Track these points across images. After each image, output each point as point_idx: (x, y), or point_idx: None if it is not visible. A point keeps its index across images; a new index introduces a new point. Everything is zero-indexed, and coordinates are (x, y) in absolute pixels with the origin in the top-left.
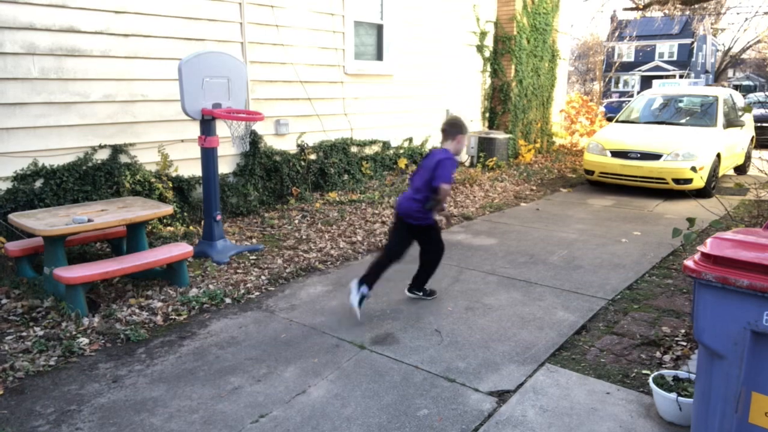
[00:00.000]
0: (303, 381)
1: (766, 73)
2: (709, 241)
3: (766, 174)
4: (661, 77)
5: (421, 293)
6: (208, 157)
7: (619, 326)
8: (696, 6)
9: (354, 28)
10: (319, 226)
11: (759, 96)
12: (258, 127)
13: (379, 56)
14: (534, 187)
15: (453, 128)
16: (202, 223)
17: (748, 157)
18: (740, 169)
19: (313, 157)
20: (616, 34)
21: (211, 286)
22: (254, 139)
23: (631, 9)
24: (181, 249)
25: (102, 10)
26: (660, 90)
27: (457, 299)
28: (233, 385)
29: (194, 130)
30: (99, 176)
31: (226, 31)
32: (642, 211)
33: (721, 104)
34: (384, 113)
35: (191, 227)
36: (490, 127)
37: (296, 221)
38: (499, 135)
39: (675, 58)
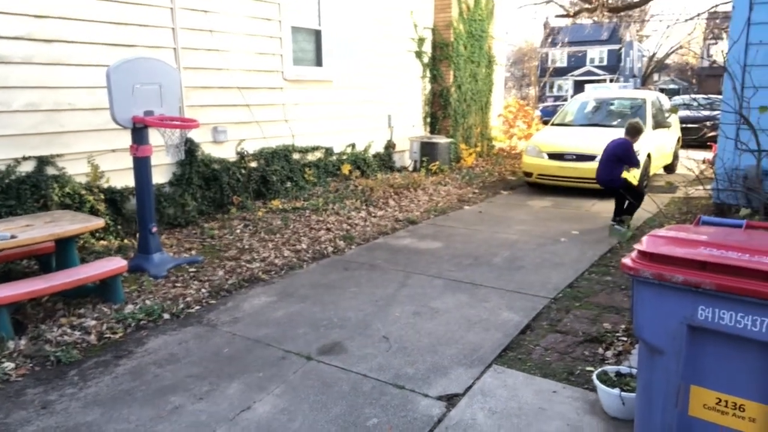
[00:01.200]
0: (248, 397)
1: (688, 77)
2: (645, 238)
3: (693, 172)
4: (592, 81)
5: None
6: (141, 166)
7: (562, 324)
8: (622, 14)
9: (292, 33)
10: (262, 235)
11: (684, 98)
12: (194, 135)
13: (319, 62)
14: (476, 190)
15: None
16: (138, 236)
17: (675, 157)
18: (669, 168)
19: (253, 164)
20: (550, 40)
21: (148, 302)
22: (191, 147)
23: (563, 16)
24: (115, 264)
25: (21, 14)
26: (592, 93)
27: (405, 304)
28: (173, 404)
29: (126, 139)
30: (24, 190)
31: (158, 37)
32: (579, 210)
33: (650, 106)
34: (326, 119)
35: (126, 240)
36: (432, 131)
37: (238, 231)
38: (441, 139)
39: (605, 63)
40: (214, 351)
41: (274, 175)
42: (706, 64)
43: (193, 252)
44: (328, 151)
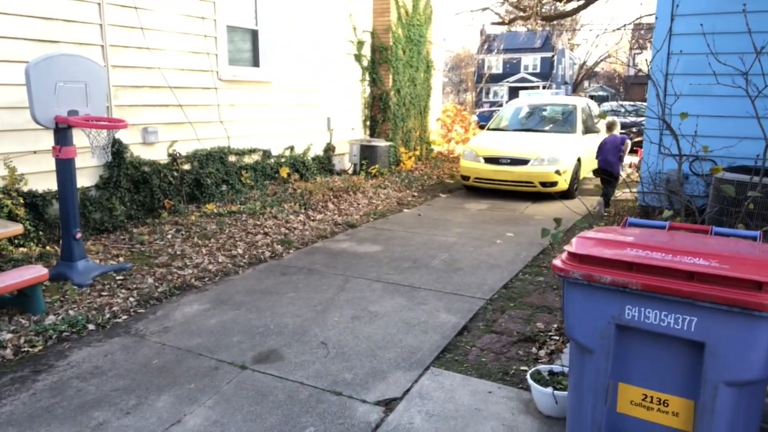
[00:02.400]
0: (178, 410)
1: (615, 85)
2: (574, 240)
3: (621, 176)
4: (526, 88)
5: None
6: (65, 169)
7: (497, 325)
8: (555, 22)
9: (227, 33)
10: (195, 240)
11: (612, 105)
12: (123, 136)
13: (256, 62)
14: (415, 193)
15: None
16: (61, 242)
17: None
18: (597, 172)
19: (187, 167)
20: (486, 47)
21: (71, 312)
22: (119, 149)
23: (498, 23)
24: (35, 272)
25: None
26: (525, 99)
27: (344, 308)
28: (98, 420)
29: (48, 139)
30: None
31: (85, 33)
32: (514, 213)
33: (580, 112)
34: (263, 121)
35: (48, 247)
36: (372, 135)
37: (169, 236)
38: (381, 143)
39: (538, 70)
40: (143, 362)
41: (209, 178)
42: (632, 72)
43: (121, 259)
44: (266, 154)
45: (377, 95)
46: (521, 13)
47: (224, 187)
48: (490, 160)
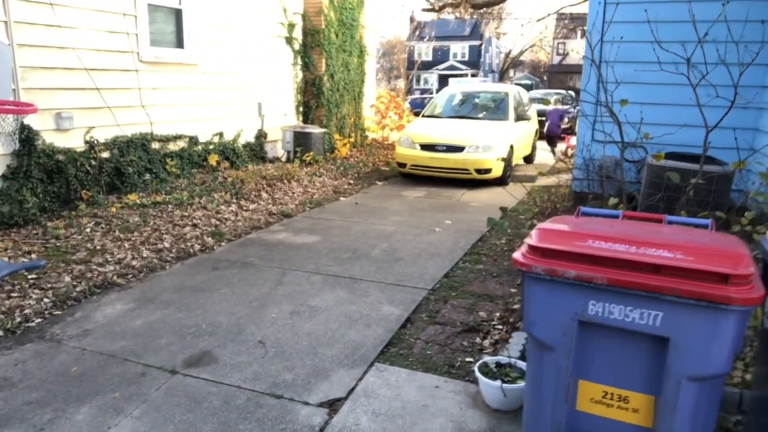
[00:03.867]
0: (101, 422)
1: (540, 73)
2: (534, 232)
3: (564, 161)
4: (455, 76)
5: None
6: None
7: (440, 315)
8: (483, 10)
9: (149, 12)
10: (116, 233)
11: (539, 93)
12: (33, 122)
13: (180, 44)
14: (351, 181)
15: None
16: None
17: (534, 148)
18: (528, 159)
19: (106, 155)
20: (417, 34)
21: None
22: (29, 136)
23: (429, 10)
24: None
25: None
26: (459, 87)
27: (282, 304)
28: None
29: None
30: None
31: None
32: (451, 200)
33: (512, 100)
34: (189, 106)
35: None
36: (305, 121)
37: (88, 230)
38: (315, 129)
39: (467, 58)
40: (60, 371)
41: (130, 166)
42: (555, 61)
43: (34, 256)
44: (193, 140)
45: (310, 80)
46: (451, 0)
47: (147, 176)
48: (426, 147)
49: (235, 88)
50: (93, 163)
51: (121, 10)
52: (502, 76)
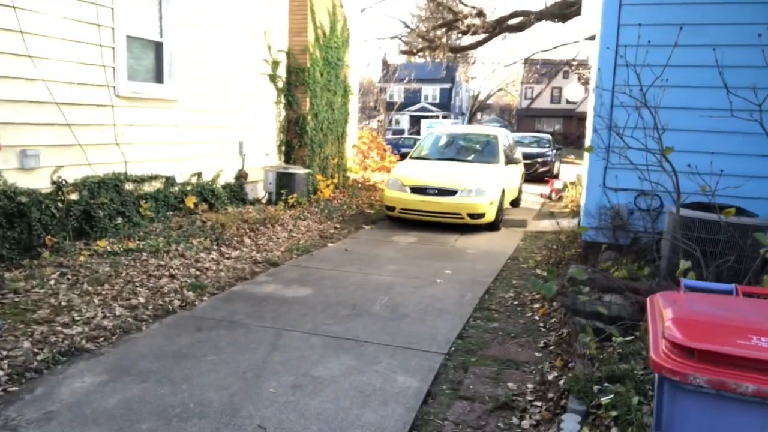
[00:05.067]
0: None
1: (509, 116)
2: (672, 325)
3: (563, 204)
4: (427, 117)
5: None
6: None
7: (464, 388)
8: (457, 55)
9: (127, 43)
10: (84, 286)
11: (517, 135)
12: None
13: (160, 78)
14: (337, 225)
15: None
16: None
17: (520, 191)
18: (514, 203)
19: (74, 196)
20: (391, 75)
21: None
22: None
23: (407, 53)
24: None
25: None
26: (446, 128)
27: (280, 374)
28: None
29: None
30: None
31: None
32: (445, 246)
33: (501, 142)
34: (167, 144)
35: None
36: (287, 161)
37: (52, 282)
38: (299, 170)
39: (438, 100)
40: None
41: (101, 209)
42: (524, 105)
43: None
44: (170, 181)
45: (293, 119)
46: (429, 44)
47: (120, 220)
48: (416, 190)
49: (215, 126)
50: (60, 205)
51: (98, 41)
52: (471, 118)
